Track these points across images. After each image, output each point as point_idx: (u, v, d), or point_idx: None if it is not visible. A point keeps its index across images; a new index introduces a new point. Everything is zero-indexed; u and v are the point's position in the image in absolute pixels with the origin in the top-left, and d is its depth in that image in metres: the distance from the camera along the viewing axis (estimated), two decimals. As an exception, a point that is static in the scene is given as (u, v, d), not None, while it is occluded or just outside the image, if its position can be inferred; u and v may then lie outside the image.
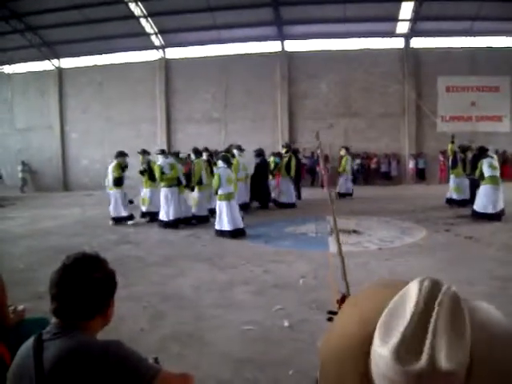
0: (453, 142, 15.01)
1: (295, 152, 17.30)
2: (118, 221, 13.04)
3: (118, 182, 13.07)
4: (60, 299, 1.81)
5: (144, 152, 14.06)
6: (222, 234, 10.87)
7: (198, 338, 5.17)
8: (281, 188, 15.68)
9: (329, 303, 6.07)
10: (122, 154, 13.35)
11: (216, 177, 10.84)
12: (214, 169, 11.90)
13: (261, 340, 5.08)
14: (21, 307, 3.56)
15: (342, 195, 17.82)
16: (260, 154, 15.78)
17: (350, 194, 18.02)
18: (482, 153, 13.18)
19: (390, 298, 0.93)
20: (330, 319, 1.52)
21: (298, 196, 17.09)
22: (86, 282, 1.82)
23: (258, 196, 15.55)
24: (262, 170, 15.43)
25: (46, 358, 1.72)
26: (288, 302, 6.16)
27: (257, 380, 4.26)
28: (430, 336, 0.82)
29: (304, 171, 22.63)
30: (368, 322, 0.94)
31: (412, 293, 0.87)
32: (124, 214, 13.09)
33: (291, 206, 15.52)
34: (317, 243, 10.16)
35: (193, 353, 4.80)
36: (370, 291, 1.10)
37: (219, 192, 10.85)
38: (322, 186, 22.07)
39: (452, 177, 14.91)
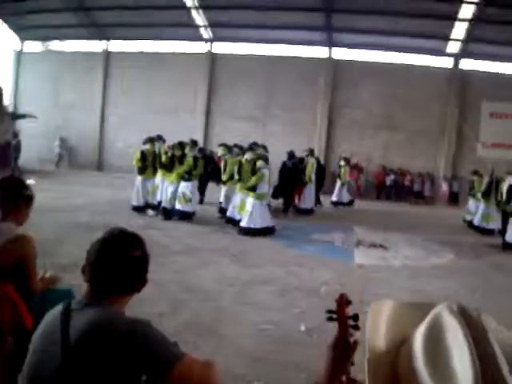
0: (491, 176, 14.74)
1: (317, 158, 17.15)
2: (136, 210, 12.64)
3: (139, 170, 12.75)
4: (97, 269, 1.83)
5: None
6: (248, 231, 10.86)
7: (214, 331, 5.18)
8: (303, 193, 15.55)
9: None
10: (150, 140, 13.05)
11: (259, 176, 11.00)
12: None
13: (277, 341, 5.07)
14: (48, 275, 3.63)
15: (336, 204, 17.89)
16: (292, 156, 15.57)
17: (348, 204, 18.06)
18: None
19: (411, 323, 0.88)
20: (329, 319, 1.49)
21: (317, 201, 16.74)
22: (124, 258, 1.85)
23: (283, 197, 15.22)
24: (292, 174, 15.24)
25: (74, 327, 1.72)
26: (307, 307, 6.14)
27: (269, 379, 4.25)
28: (502, 367, 0.77)
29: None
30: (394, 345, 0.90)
31: (448, 320, 0.81)
32: (139, 203, 12.69)
33: (309, 212, 15.31)
34: (342, 253, 10.11)
35: (208, 345, 4.81)
36: (393, 318, 1.04)
37: (256, 191, 10.97)
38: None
39: (482, 205, 14.54)
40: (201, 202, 14.81)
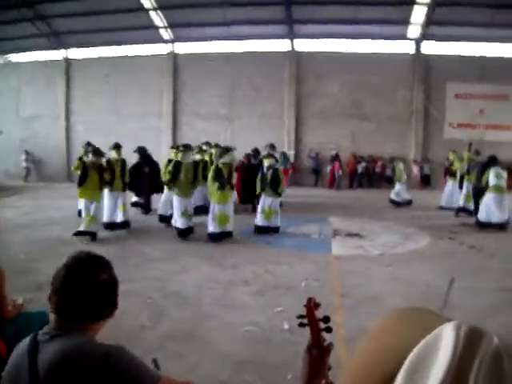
0: (469, 150, 14.92)
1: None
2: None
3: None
4: (62, 297, 1.74)
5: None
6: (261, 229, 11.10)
7: (197, 338, 5.13)
8: None
9: (329, 307, 6.03)
10: (116, 147, 11.81)
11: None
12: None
13: (260, 342, 5.04)
14: (20, 301, 3.52)
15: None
16: (257, 153, 15.01)
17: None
18: (492, 162, 13.11)
19: (415, 335, 0.80)
20: (301, 324, 1.46)
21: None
22: (91, 283, 1.76)
23: (250, 198, 14.14)
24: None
25: (42, 361, 1.65)
26: (289, 305, 6.10)
27: (255, 382, 4.22)
28: None
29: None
30: (392, 360, 0.82)
31: (445, 344, 0.72)
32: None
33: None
34: (319, 245, 10.13)
35: (192, 352, 4.76)
36: (395, 321, 0.95)
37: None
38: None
39: (465, 184, 14.67)
40: (146, 209, 13.73)
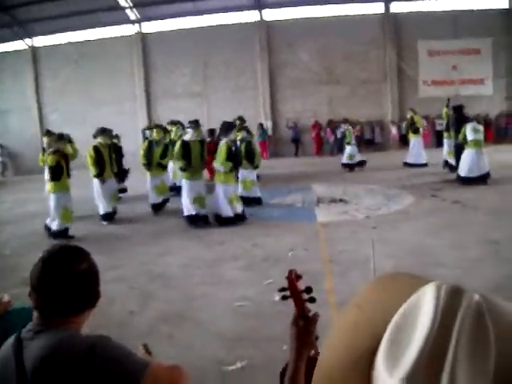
0: (447, 106, 14.97)
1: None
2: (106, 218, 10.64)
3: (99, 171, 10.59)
4: (41, 294, 1.69)
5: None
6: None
7: (188, 318, 5.11)
8: None
9: (319, 274, 6.05)
10: (103, 132, 11.05)
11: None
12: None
13: (253, 316, 5.04)
14: (6, 298, 3.44)
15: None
16: (213, 133, 14.36)
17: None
18: (460, 113, 13.35)
19: (399, 303, 0.78)
20: (284, 298, 1.45)
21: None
22: (69, 275, 1.70)
23: None
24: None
25: (28, 358, 1.61)
26: (278, 276, 6.08)
27: (250, 357, 4.22)
28: (447, 367, 0.66)
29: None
30: (376, 330, 0.79)
31: (426, 304, 0.70)
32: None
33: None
34: (304, 214, 10.13)
35: (184, 333, 4.75)
36: (375, 290, 0.92)
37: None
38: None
39: (446, 141, 14.80)
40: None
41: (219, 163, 9.34)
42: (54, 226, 9.08)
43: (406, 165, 16.31)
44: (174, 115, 21.23)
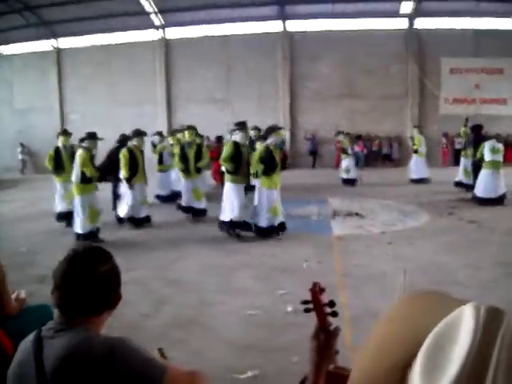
0: (466, 125, 14.91)
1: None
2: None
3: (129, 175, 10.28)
4: (64, 293, 1.72)
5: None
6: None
7: (200, 324, 5.13)
8: None
9: (332, 288, 6.03)
10: (138, 134, 10.61)
11: None
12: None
13: (265, 325, 5.04)
14: (23, 295, 3.49)
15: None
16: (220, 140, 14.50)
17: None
18: (479, 132, 13.35)
19: (431, 320, 0.79)
20: (306, 310, 1.46)
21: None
22: (92, 276, 1.74)
23: None
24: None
25: (47, 357, 1.63)
26: (292, 287, 6.10)
27: (261, 366, 4.22)
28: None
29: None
30: (408, 346, 0.81)
31: (466, 323, 0.71)
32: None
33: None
34: (320, 227, 10.11)
35: (195, 339, 4.77)
36: (407, 306, 0.93)
37: None
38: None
39: (462, 159, 14.72)
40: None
41: (255, 166, 8.90)
42: (80, 228, 8.85)
43: (413, 181, 16.62)
44: (193, 120, 21.24)
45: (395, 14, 23.48)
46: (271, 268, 7.09)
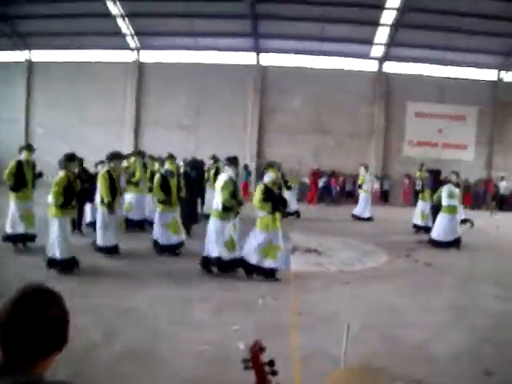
0: (421, 170, 15.48)
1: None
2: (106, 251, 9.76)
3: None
4: (10, 334, 1.63)
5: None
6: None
7: (152, 356, 5.07)
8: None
9: (285, 327, 6.07)
10: (116, 157, 10.13)
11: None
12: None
13: (216, 361, 5.02)
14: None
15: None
16: (194, 165, 13.94)
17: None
18: (437, 177, 13.81)
19: None
20: (246, 368, 1.48)
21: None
22: (41, 320, 1.66)
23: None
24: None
25: None
26: (245, 323, 6.11)
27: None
28: None
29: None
30: None
31: None
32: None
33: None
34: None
35: (146, 372, 4.71)
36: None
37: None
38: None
39: (420, 202, 15.13)
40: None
41: (257, 204, 8.56)
42: (58, 254, 8.21)
43: (353, 217, 17.20)
44: (161, 145, 21.38)
45: (366, 56, 24.21)
46: (226, 302, 7.07)
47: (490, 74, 24.55)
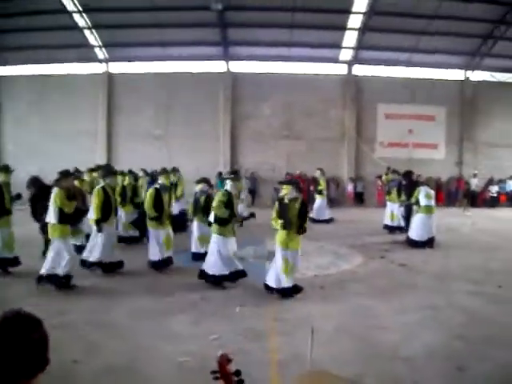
0: (387, 174, 15.86)
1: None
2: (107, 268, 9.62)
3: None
4: None
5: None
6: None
7: (132, 371, 5.12)
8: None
9: (263, 333, 6.15)
10: (111, 173, 10.25)
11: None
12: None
13: (197, 372, 5.05)
14: None
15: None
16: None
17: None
18: (410, 178, 14.12)
19: None
20: (215, 378, 1.59)
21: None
22: (23, 343, 1.74)
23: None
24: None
25: None
26: (224, 331, 6.20)
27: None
28: None
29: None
30: None
31: None
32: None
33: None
34: (255, 270, 10.16)
35: (127, 386, 4.76)
36: None
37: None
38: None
39: (388, 204, 15.43)
40: None
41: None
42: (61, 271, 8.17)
43: (311, 220, 16.92)
44: (133, 156, 21.37)
45: (335, 60, 24.52)
46: (204, 312, 7.15)
47: (457, 74, 25.12)
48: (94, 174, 13.21)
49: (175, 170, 14.67)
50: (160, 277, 9.44)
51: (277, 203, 8.49)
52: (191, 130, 24.14)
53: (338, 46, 23.78)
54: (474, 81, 25.08)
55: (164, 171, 10.78)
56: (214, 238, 8.70)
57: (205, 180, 10.86)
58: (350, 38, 23.29)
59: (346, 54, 24.44)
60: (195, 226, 10.62)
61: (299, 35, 22.56)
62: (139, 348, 5.73)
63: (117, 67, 25.16)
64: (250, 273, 9.63)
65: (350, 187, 24.41)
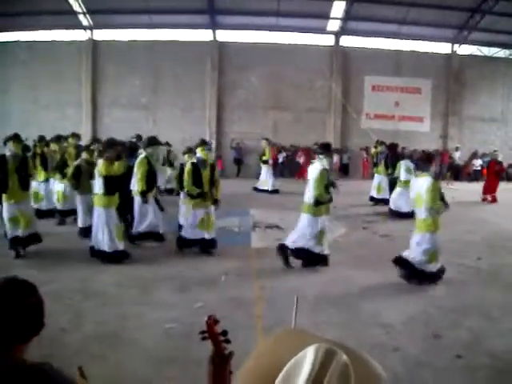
0: (376, 147, 15.84)
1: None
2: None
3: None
4: None
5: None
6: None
7: (120, 338, 5.25)
8: None
9: (249, 300, 6.31)
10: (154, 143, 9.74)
11: None
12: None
13: (183, 338, 5.19)
14: None
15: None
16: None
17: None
18: (394, 151, 14.25)
19: (290, 357, 1.11)
20: (203, 338, 1.71)
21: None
22: (20, 308, 1.83)
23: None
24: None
25: None
26: (209, 300, 6.34)
27: (178, 379, 4.42)
28: None
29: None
30: (269, 377, 1.12)
31: (307, 361, 1.03)
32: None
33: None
34: (240, 238, 10.35)
35: (115, 353, 4.88)
36: (274, 344, 1.28)
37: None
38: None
39: (376, 176, 15.58)
40: None
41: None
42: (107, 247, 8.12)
43: (255, 189, 17.92)
44: (119, 126, 21.22)
45: (322, 30, 24.37)
46: (190, 280, 7.27)
47: (445, 48, 25.18)
48: (66, 144, 12.60)
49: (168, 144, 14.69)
50: (148, 247, 9.49)
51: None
52: (178, 100, 24.08)
53: (325, 16, 23.62)
54: (460, 54, 25.19)
55: (203, 143, 9.36)
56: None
57: (190, 150, 10.66)
58: (337, 9, 23.14)
59: (333, 25, 24.32)
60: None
61: (287, 4, 22.33)
62: (126, 315, 5.85)
63: (101, 35, 24.78)
64: (233, 242, 9.81)
65: (335, 158, 24.50)
